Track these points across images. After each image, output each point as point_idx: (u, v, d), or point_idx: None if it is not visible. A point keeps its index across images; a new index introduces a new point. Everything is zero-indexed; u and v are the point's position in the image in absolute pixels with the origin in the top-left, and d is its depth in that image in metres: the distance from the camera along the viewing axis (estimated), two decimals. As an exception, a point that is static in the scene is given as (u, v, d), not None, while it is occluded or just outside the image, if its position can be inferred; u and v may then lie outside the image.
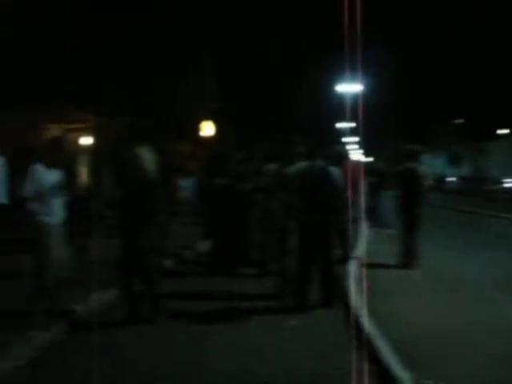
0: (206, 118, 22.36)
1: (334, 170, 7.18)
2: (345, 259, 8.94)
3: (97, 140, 16.37)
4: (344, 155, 9.06)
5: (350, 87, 30.32)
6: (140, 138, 6.47)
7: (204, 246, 10.78)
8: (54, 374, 4.99)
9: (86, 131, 16.46)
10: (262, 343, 5.77)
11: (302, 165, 7.20)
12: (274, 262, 8.06)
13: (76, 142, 16.82)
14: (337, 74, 28.51)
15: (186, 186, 16.92)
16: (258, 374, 4.97)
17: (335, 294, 6.87)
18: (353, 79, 29.88)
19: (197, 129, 22.38)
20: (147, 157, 6.34)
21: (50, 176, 6.15)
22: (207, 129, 22.13)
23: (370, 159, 44.01)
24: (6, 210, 7.77)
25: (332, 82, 30.61)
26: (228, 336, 5.99)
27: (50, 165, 6.17)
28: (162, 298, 6.51)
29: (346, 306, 6.78)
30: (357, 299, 6.92)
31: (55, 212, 6.15)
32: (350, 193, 8.11)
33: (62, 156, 6.38)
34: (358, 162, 14.15)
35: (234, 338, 5.94)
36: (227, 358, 5.36)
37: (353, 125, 34.75)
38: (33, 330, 5.64)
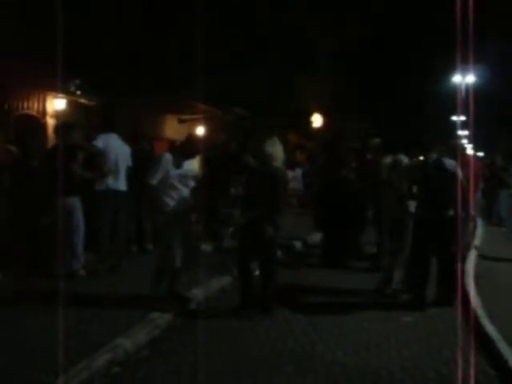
0: (318, 110, 22.32)
1: (451, 163, 6.91)
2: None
3: (210, 131, 16.75)
4: (461, 149, 8.71)
5: (463, 79, 29.29)
6: (264, 131, 6.53)
7: (315, 237, 10.78)
8: (170, 354, 5.18)
9: (200, 122, 16.88)
10: (375, 337, 5.70)
11: (418, 158, 7.03)
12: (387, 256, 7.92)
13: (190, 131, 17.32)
14: (451, 66, 27.54)
15: (293, 177, 17.02)
16: (373, 367, 4.94)
17: (454, 292, 6.65)
18: (466, 71, 28.82)
19: (306, 121, 22.38)
20: (275, 151, 6.39)
21: (183, 165, 6.36)
22: (317, 121, 22.10)
23: (480, 154, 42.20)
24: (125, 197, 8.17)
25: (447, 74, 29.66)
26: (340, 328, 5.98)
27: (184, 157, 6.38)
28: (276, 287, 6.57)
29: (464, 304, 6.54)
30: (476, 298, 6.70)
31: (181, 199, 6.33)
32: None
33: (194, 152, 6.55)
34: (474, 157, 13.65)
35: (347, 330, 5.93)
36: (341, 349, 5.35)
37: (463, 118, 33.49)
38: (154, 312, 5.90)
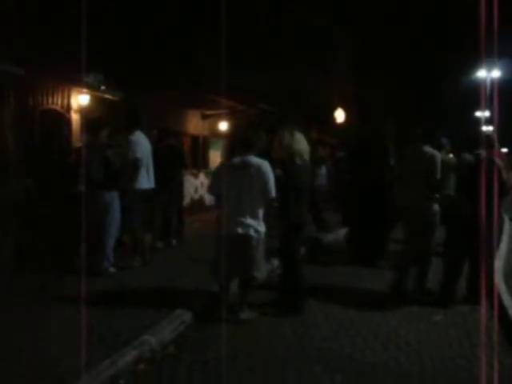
0: (339, 104, 22.20)
1: (498, 160, 6.70)
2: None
3: (233, 126, 16.70)
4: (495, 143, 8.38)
5: (488, 73, 28.92)
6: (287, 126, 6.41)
7: (341, 234, 10.66)
8: (196, 351, 5.12)
9: (223, 117, 16.84)
10: (405, 336, 5.59)
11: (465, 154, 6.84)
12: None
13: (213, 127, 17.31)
14: (476, 60, 27.14)
15: (318, 173, 16.87)
16: (403, 366, 4.84)
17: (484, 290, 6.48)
18: (491, 65, 28.44)
19: (328, 116, 22.24)
20: (298, 144, 6.29)
21: None
22: (339, 116, 21.96)
23: (504, 150, 41.57)
24: (154, 194, 8.16)
25: (471, 68, 29.27)
26: (370, 327, 5.86)
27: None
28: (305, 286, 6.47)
29: (495, 303, 6.37)
30: (506, 296, 6.55)
31: None
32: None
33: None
34: (503, 153, 13.37)
35: (377, 329, 5.80)
36: (370, 348, 5.25)
37: (487, 114, 33.01)
38: (180, 308, 5.87)
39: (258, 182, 5.86)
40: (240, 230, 5.86)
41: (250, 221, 5.87)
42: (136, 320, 5.50)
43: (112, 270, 7.40)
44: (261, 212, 5.97)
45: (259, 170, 5.87)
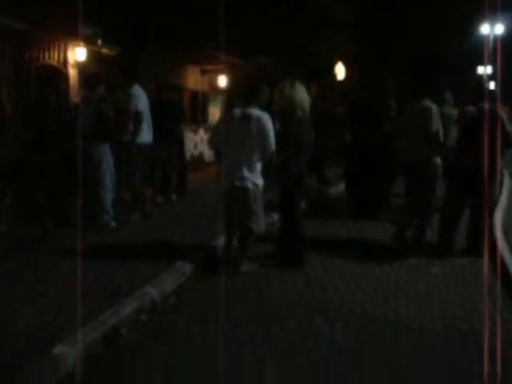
0: (339, 59, 21.87)
1: (500, 111, 6.60)
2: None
3: (232, 81, 16.53)
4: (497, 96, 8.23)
5: (491, 29, 28.49)
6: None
7: (342, 188, 10.63)
8: (197, 303, 5.17)
9: (222, 72, 16.65)
10: (404, 288, 5.61)
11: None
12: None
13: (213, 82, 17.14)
14: (478, 14, 26.70)
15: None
16: (403, 317, 4.86)
17: (483, 243, 6.49)
18: (494, 20, 28.00)
19: (329, 72, 21.94)
20: (303, 95, 6.21)
21: None
22: (341, 72, 21.64)
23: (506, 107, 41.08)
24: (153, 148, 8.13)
25: (472, 23, 28.76)
26: (370, 280, 5.87)
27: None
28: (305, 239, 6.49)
29: (493, 255, 6.37)
30: (504, 249, 6.56)
31: None
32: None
33: None
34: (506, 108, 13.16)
35: (377, 282, 5.82)
36: (369, 300, 5.27)
37: (489, 70, 32.56)
38: (180, 260, 5.89)
39: (258, 135, 5.82)
40: (237, 183, 5.86)
41: (247, 174, 5.86)
42: (137, 272, 5.52)
43: (113, 224, 7.41)
44: (259, 165, 5.95)
45: (259, 122, 5.82)
